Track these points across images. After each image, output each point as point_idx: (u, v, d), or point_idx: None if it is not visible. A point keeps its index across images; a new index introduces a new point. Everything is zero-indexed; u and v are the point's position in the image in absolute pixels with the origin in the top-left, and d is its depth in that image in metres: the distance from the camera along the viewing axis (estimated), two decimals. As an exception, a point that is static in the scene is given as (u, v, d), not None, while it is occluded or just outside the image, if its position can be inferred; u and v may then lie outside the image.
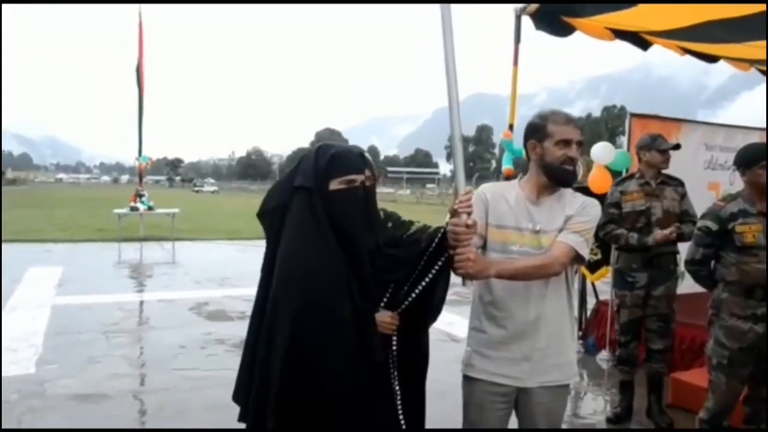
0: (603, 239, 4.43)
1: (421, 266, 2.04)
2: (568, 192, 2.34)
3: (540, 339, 2.23)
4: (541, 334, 2.23)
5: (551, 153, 2.23)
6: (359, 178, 1.96)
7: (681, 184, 4.30)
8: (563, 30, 5.05)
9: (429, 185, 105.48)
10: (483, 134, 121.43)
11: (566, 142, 2.21)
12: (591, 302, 6.18)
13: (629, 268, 4.22)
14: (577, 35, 5.11)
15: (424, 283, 2.03)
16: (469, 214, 1.99)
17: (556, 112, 2.28)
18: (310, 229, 1.88)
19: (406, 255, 2.06)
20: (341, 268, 1.90)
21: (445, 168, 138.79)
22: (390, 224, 2.18)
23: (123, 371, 5.11)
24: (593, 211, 2.28)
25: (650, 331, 4.21)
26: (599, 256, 5.53)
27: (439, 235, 2.04)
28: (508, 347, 2.24)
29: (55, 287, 8.58)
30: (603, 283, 6.17)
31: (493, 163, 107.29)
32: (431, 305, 2.06)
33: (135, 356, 5.62)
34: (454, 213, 2.01)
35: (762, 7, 4.24)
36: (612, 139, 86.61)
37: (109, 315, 7.05)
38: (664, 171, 4.27)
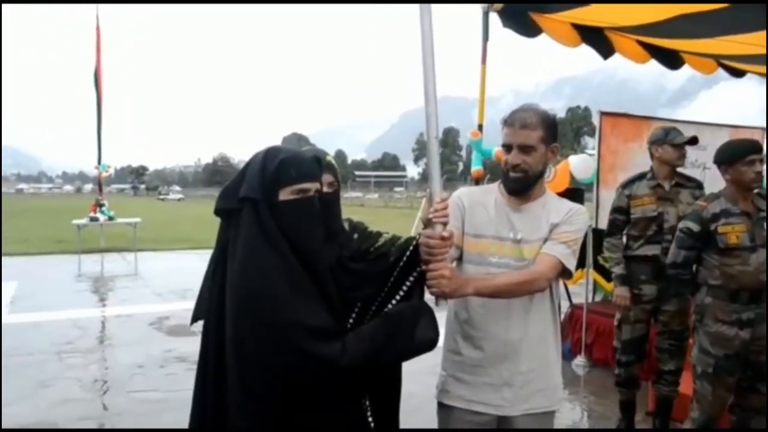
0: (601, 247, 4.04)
1: (391, 282, 1.84)
2: (553, 197, 2.14)
3: (522, 362, 2.00)
4: (524, 357, 2.00)
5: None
6: (313, 186, 1.70)
7: (699, 185, 3.82)
8: (530, 30, 4.94)
9: (397, 188, 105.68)
10: (450, 136, 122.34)
11: (507, 147, 2.02)
12: (564, 306, 6.04)
13: (637, 279, 3.75)
14: (543, 38, 4.99)
15: (395, 301, 1.83)
16: (444, 224, 1.76)
17: (513, 111, 2.04)
18: (260, 246, 1.62)
19: (373, 270, 1.86)
20: (302, 287, 1.66)
21: (412, 171, 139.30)
22: (356, 236, 1.97)
23: (75, 395, 4.79)
24: (581, 219, 2.06)
25: (661, 351, 3.78)
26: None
27: (411, 247, 1.83)
28: (487, 371, 2.01)
29: (7, 304, 8.12)
30: (578, 286, 6.04)
31: (460, 165, 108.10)
32: None
33: (89, 379, 5.26)
34: (428, 223, 1.78)
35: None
36: (577, 138, 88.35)
37: (63, 333, 6.68)
38: (679, 170, 3.82)
